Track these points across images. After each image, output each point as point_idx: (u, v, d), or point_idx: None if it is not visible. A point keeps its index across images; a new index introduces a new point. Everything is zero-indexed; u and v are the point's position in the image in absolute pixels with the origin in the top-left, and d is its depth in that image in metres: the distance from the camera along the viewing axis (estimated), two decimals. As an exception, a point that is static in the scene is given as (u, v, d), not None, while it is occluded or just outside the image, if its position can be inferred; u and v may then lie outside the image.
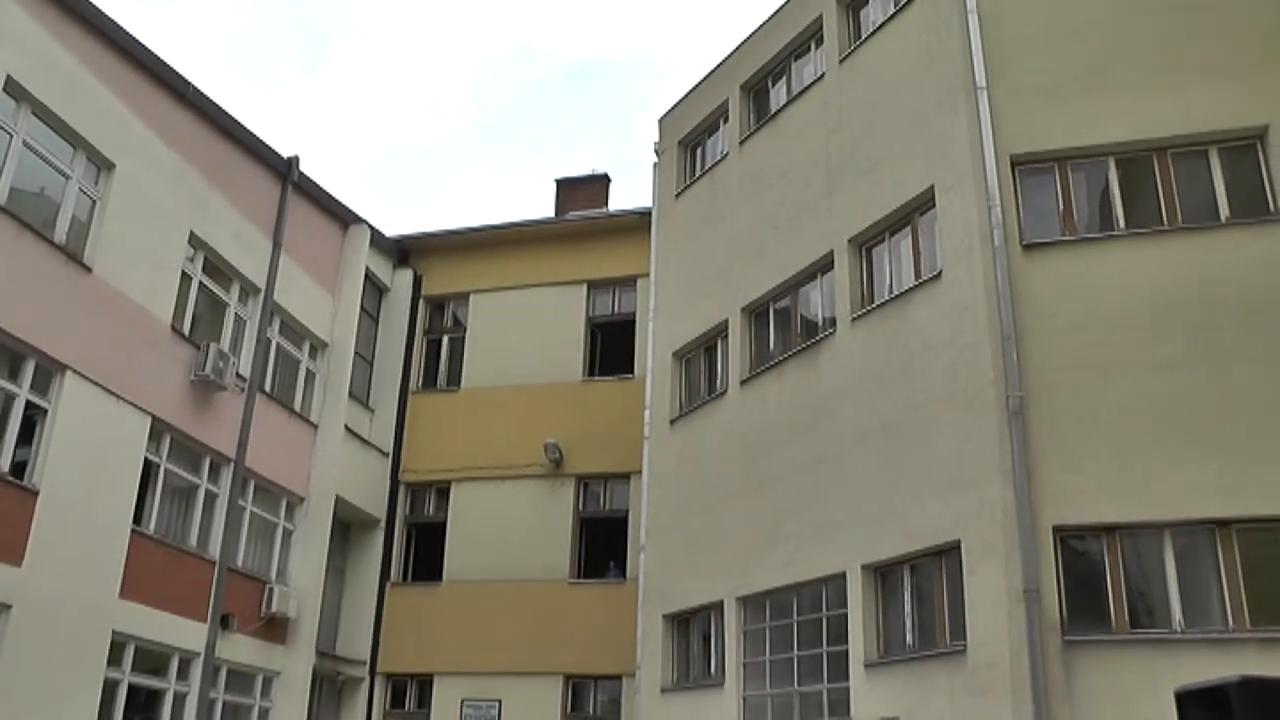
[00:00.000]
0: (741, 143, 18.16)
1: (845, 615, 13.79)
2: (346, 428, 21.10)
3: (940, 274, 13.47)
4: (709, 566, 16.39)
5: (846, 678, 13.57)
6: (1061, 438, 11.89)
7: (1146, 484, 11.44)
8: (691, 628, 17.14)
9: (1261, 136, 12.35)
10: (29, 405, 14.50)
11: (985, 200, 12.95)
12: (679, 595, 17.09)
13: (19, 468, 14.40)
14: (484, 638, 20.50)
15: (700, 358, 18.40)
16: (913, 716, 12.32)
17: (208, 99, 18.11)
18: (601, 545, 21.08)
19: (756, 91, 18.50)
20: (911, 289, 13.97)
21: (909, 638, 13.07)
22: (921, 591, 13.11)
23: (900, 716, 12.48)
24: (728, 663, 15.69)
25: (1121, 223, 12.73)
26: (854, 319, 14.76)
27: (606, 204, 25.29)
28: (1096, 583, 11.55)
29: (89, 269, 15.49)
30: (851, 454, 14.19)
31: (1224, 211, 12.33)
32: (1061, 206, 13.05)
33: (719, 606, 16.12)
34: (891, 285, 14.54)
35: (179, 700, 16.92)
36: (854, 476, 14.05)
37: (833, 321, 15.28)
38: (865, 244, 15.11)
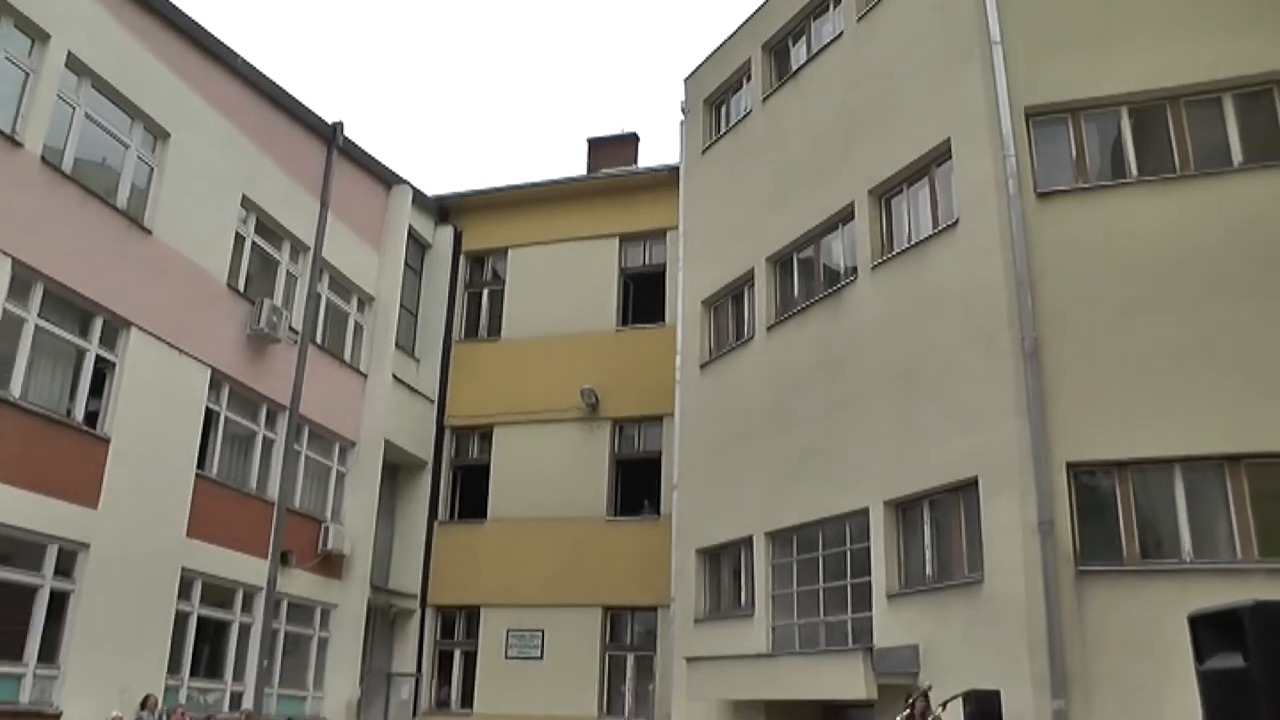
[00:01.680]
0: (764, 100, 17.89)
1: (868, 549, 13.77)
2: (394, 376, 21.22)
3: (957, 222, 13.26)
4: (738, 504, 16.39)
5: (869, 608, 13.57)
6: (1075, 378, 11.73)
7: (1157, 421, 11.27)
8: (722, 562, 17.19)
9: (1277, 82, 11.99)
10: (98, 359, 14.74)
11: (1000, 151, 12.70)
12: (710, 531, 17.14)
13: (91, 417, 14.67)
14: (527, 572, 20.68)
15: (728, 305, 18.29)
16: (932, 644, 12.31)
17: (255, 69, 18.07)
18: (636, 484, 21.15)
19: (778, 51, 18.19)
20: (929, 237, 13.77)
21: (928, 570, 13.03)
22: (940, 526, 13.05)
23: (920, 644, 12.48)
24: (757, 594, 15.74)
25: (1134, 170, 12.44)
26: (874, 267, 14.59)
27: (636, 161, 25.09)
28: (1109, 516, 11.43)
29: (149, 232, 15.57)
30: (873, 395, 14.08)
31: (1237, 157, 12.00)
32: (1074, 155, 12.77)
33: (748, 541, 16.14)
34: (910, 234, 14.33)
35: (244, 631, 17.26)
36: (875, 417, 13.96)
37: (854, 269, 15.11)
38: (884, 195, 14.89)
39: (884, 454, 13.67)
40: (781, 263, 16.91)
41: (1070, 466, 11.54)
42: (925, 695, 10.47)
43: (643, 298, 22.16)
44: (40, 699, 13.28)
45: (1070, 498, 11.48)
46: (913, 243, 14.10)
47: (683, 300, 19.29)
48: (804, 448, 15.17)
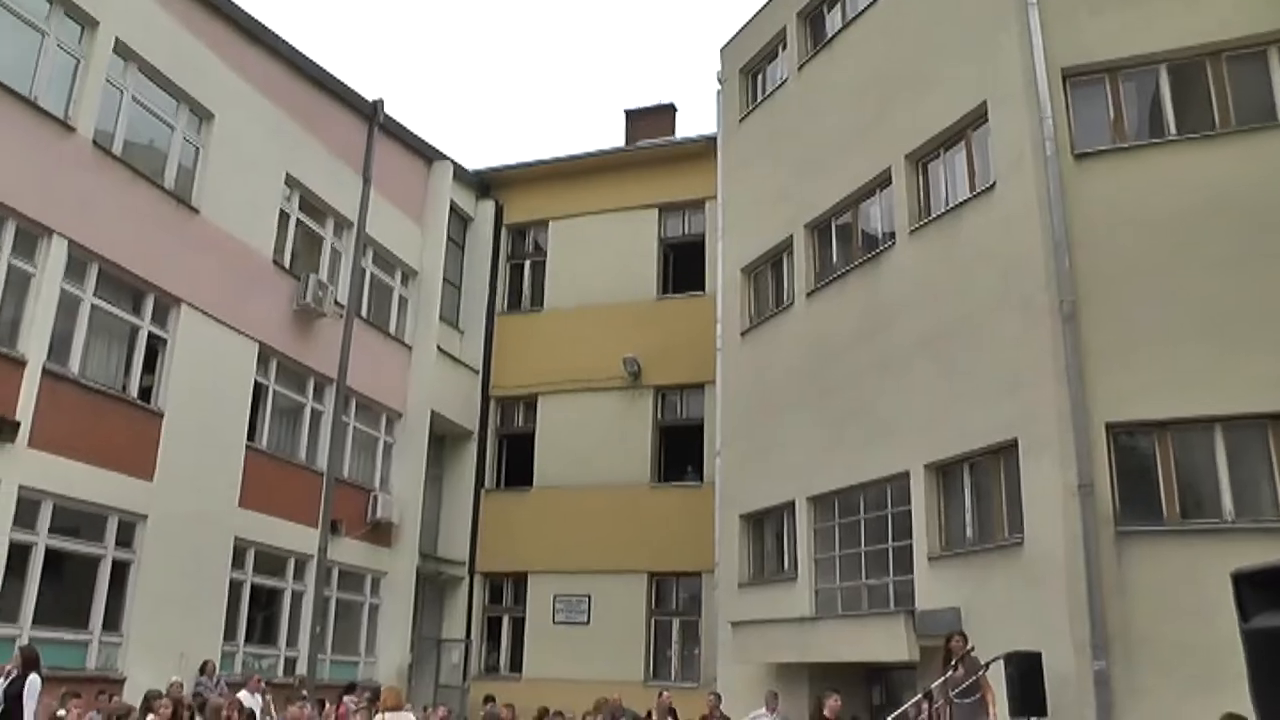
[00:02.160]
0: (800, 68, 17.75)
1: (909, 512, 13.77)
2: (438, 348, 21.49)
3: (994, 186, 13.14)
4: (780, 469, 16.44)
5: (910, 570, 13.60)
6: (1113, 339, 11.61)
7: (1198, 381, 11.13)
8: (765, 526, 17.27)
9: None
10: (151, 336, 15.12)
11: (1037, 113, 12.51)
12: (753, 496, 17.21)
13: (145, 392, 15.07)
14: (573, 539, 20.92)
15: (767, 273, 18.26)
16: (973, 606, 12.31)
17: (296, 50, 18.29)
18: (679, 451, 21.29)
19: (813, 18, 18.02)
20: (966, 201, 13.64)
21: (969, 532, 13.02)
22: (980, 488, 13.02)
23: (961, 607, 12.50)
24: (800, 558, 15.81)
25: (1172, 128, 12.22)
26: (912, 231, 14.50)
27: (674, 132, 25.03)
28: (1148, 477, 11.33)
29: (196, 211, 15.87)
30: (912, 360, 14.04)
31: (1280, 111, 11.76)
32: (1112, 115, 12.57)
33: (790, 506, 16.20)
34: (947, 198, 14.21)
35: (296, 598, 17.69)
36: (915, 381, 13.92)
37: (891, 235, 15.04)
38: (921, 159, 14.76)
39: (924, 417, 13.64)
40: (820, 229, 16.84)
41: (1109, 427, 11.44)
42: (963, 635, 10.59)
43: (683, 267, 22.20)
44: (106, 665, 13.78)
45: (1110, 459, 11.39)
46: (950, 207, 13.97)
47: (722, 268, 19.28)
48: (844, 412, 15.17)
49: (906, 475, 13.81)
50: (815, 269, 16.77)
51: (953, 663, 10.28)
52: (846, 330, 15.49)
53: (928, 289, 14.00)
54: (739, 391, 18.14)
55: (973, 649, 10.44)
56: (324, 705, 12.23)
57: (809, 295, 16.61)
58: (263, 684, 14.01)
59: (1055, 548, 11.31)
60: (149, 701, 10.37)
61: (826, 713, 12.36)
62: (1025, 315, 12.26)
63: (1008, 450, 12.31)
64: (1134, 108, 12.70)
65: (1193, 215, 11.56)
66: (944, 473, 13.49)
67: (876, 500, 14.62)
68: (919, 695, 9.26)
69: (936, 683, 9.81)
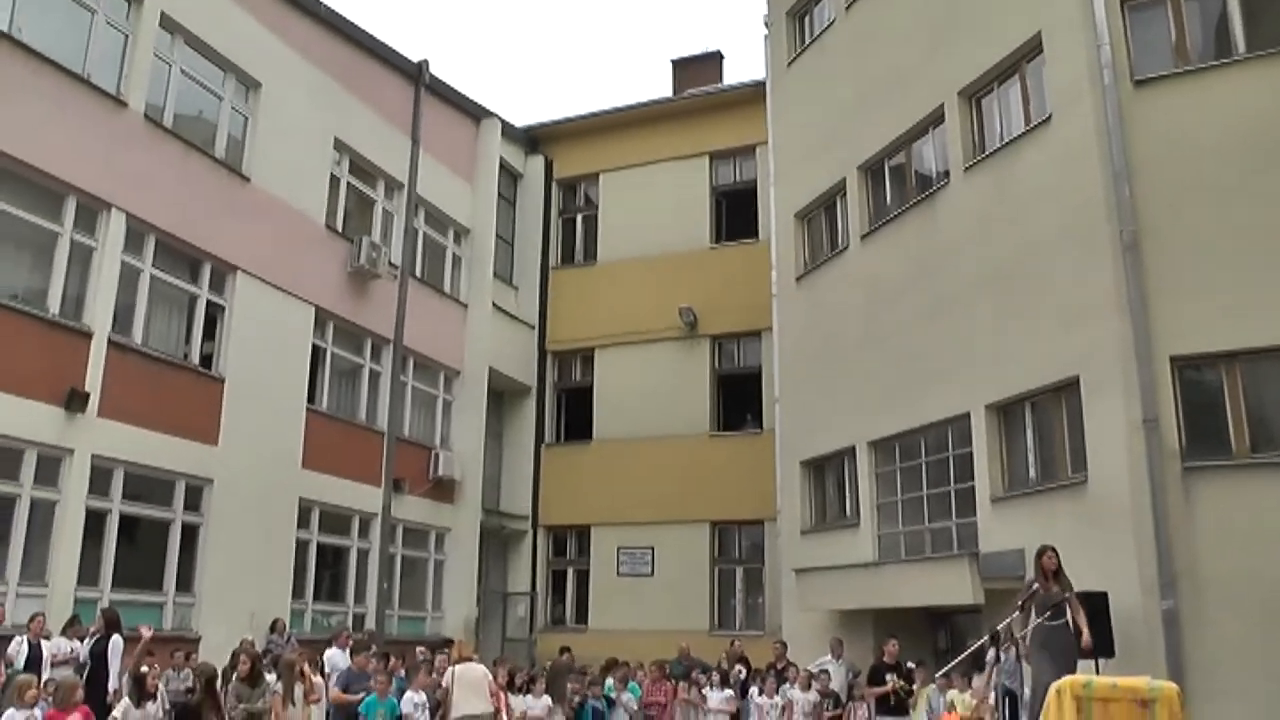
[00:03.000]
0: (848, 7, 17.34)
1: (970, 454, 13.61)
2: (494, 304, 21.61)
3: (1050, 118, 12.78)
4: (840, 414, 16.34)
5: (973, 513, 13.47)
6: (1177, 269, 11.29)
7: (1266, 310, 10.77)
8: (826, 473, 17.21)
9: None
10: (209, 304, 15.43)
11: (1094, 40, 12.11)
12: (813, 443, 17.15)
13: (206, 359, 15.40)
14: (634, 490, 21.02)
15: (821, 217, 18.05)
16: (1036, 547, 12.14)
17: (339, 15, 18.35)
18: (738, 399, 21.24)
19: (860, -46, 17.61)
20: (1021, 135, 13.30)
21: (1032, 472, 12.85)
22: (1042, 427, 12.82)
23: (1025, 548, 12.34)
24: (862, 504, 15.75)
25: (1240, 46, 11.74)
26: (966, 169, 14.20)
27: (721, 79, 24.72)
28: (1215, 410, 11.03)
29: (247, 179, 16.07)
30: (970, 299, 13.81)
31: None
32: (1174, 38, 12.11)
33: (851, 451, 16.12)
34: (1002, 134, 13.86)
35: (362, 556, 18.05)
36: (974, 320, 13.69)
37: (946, 173, 14.74)
38: (974, 95, 14.40)
39: (983, 357, 13.44)
40: (873, 171, 16.59)
41: (1174, 361, 11.16)
42: (1054, 550, 10.26)
43: (735, 214, 22.03)
44: (181, 625, 14.25)
45: (1175, 393, 11.11)
46: (1005, 142, 13.65)
47: (775, 214, 19.10)
48: (903, 355, 15.00)
49: (967, 417, 13.65)
50: (869, 211, 16.55)
51: (1031, 588, 9.85)
52: (903, 272, 15.29)
53: (984, 226, 13.74)
54: (796, 338, 18.04)
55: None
56: (388, 659, 12.44)
57: (863, 238, 16.41)
58: (351, 641, 14.14)
59: (1120, 485, 11.12)
60: (236, 657, 10.67)
61: (886, 658, 12.39)
62: (1085, 248, 11.97)
63: (1070, 388, 12.10)
64: (1197, 27, 12.21)
65: (1260, 137, 11.12)
66: (1005, 413, 13.31)
67: (937, 443, 14.49)
68: (985, 637, 9.12)
69: (1026, 598, 9.46)
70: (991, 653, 9.69)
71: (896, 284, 15.38)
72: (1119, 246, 11.54)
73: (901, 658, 12.91)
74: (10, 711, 8.38)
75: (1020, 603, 9.99)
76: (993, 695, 10.36)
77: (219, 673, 10.29)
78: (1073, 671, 8.37)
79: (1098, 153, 11.92)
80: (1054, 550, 9.50)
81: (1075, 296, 12.03)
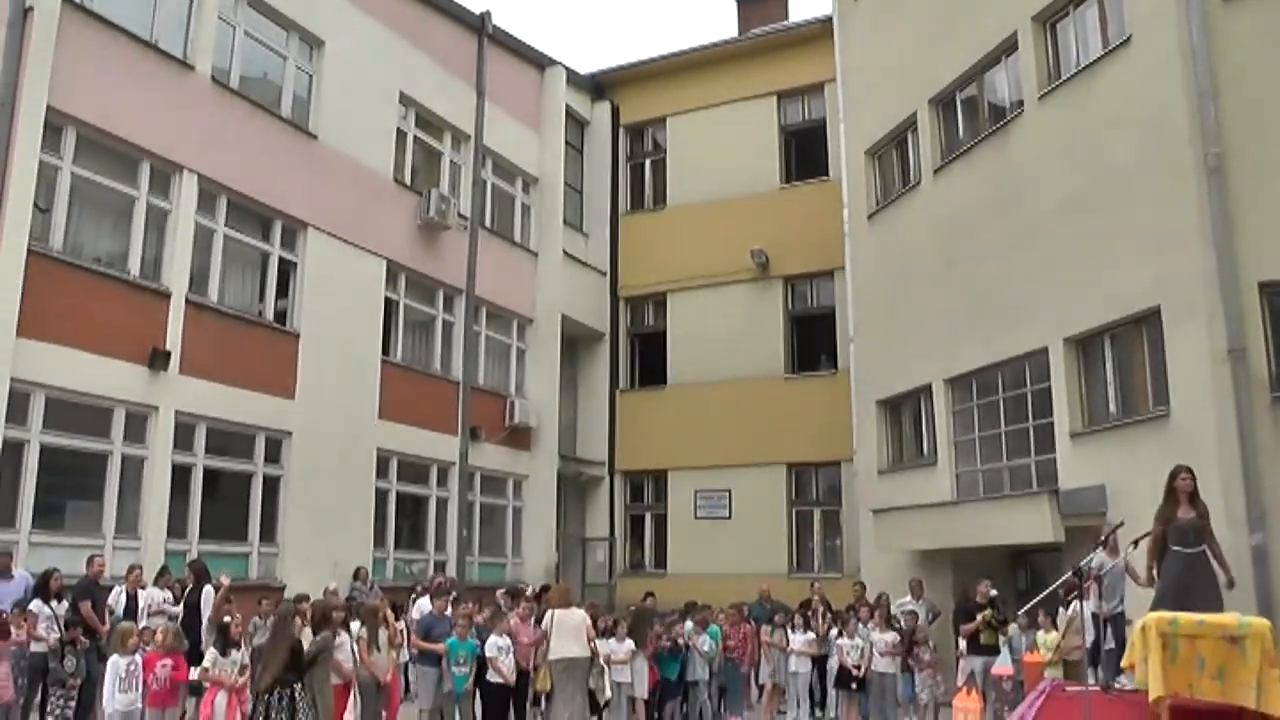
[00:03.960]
0: (915, -67, 16.80)
1: (1049, 389, 13.29)
2: (564, 252, 21.58)
3: (1129, 39, 12.23)
4: (915, 352, 16.06)
5: (1053, 449, 13.16)
6: (1265, 192, 10.75)
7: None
8: (903, 411, 16.97)
9: None
10: (281, 260, 15.63)
11: (1177, -49, 11.53)
12: (889, 381, 16.92)
13: (280, 315, 15.63)
14: (710, 434, 20.92)
15: (892, 153, 17.64)
16: (1119, 483, 11.84)
17: (400, -30, 18.22)
18: (812, 340, 20.99)
19: (926, -123, 16.96)
20: (1100, 59, 12.75)
21: (1112, 406, 12.48)
22: (1122, 360, 12.43)
23: (1106, 484, 12.04)
24: (939, 442, 15.52)
25: (1333, -48, 11.08)
26: (1041, 96, 13.71)
27: (787, 17, 24.12)
28: (1307, 338, 10.61)
29: (314, 137, 16.19)
30: (1046, 230, 13.39)
31: None
32: (1262, -55, 11.47)
33: (927, 389, 15.86)
34: (1078, 58, 13.31)
35: (441, 504, 18.33)
36: (1050, 252, 13.29)
37: (1019, 103, 14.27)
38: (1049, 19, 13.84)
39: (1060, 290, 13.06)
40: (944, 104, 16.15)
41: (1263, 288, 10.69)
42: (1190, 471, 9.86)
43: (805, 153, 21.62)
44: (266, 574, 14.62)
45: (1263, 321, 10.68)
46: (1081, 67, 13.12)
47: (846, 152, 18.76)
48: (978, 290, 14.67)
49: (1045, 351, 13.32)
50: (941, 145, 16.16)
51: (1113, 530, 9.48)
52: (977, 205, 14.90)
53: (1060, 155, 13.29)
54: (869, 276, 17.76)
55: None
56: (467, 604, 12.55)
57: (936, 172, 16.04)
58: (449, 582, 14.21)
59: (1205, 418, 10.74)
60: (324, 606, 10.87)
61: (978, 598, 12.15)
62: (1167, 173, 11.51)
63: (1151, 318, 11.70)
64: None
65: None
66: (1084, 346, 12.93)
67: (1015, 378, 14.16)
68: (1068, 574, 8.82)
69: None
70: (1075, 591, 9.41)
71: (970, 218, 15.00)
72: (1203, 170, 11.06)
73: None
74: (114, 657, 8.69)
75: (1103, 539, 9.73)
76: (1089, 633, 10.01)
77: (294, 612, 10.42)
78: (1219, 604, 7.84)
79: (1181, 72, 11.40)
80: (1189, 471, 8.64)
81: (1156, 224, 11.58)
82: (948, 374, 15.35)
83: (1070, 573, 8.70)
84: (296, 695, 8.27)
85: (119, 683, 8.59)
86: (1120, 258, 12.07)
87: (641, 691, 12.07)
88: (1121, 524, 10.16)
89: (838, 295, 19.93)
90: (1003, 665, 11.51)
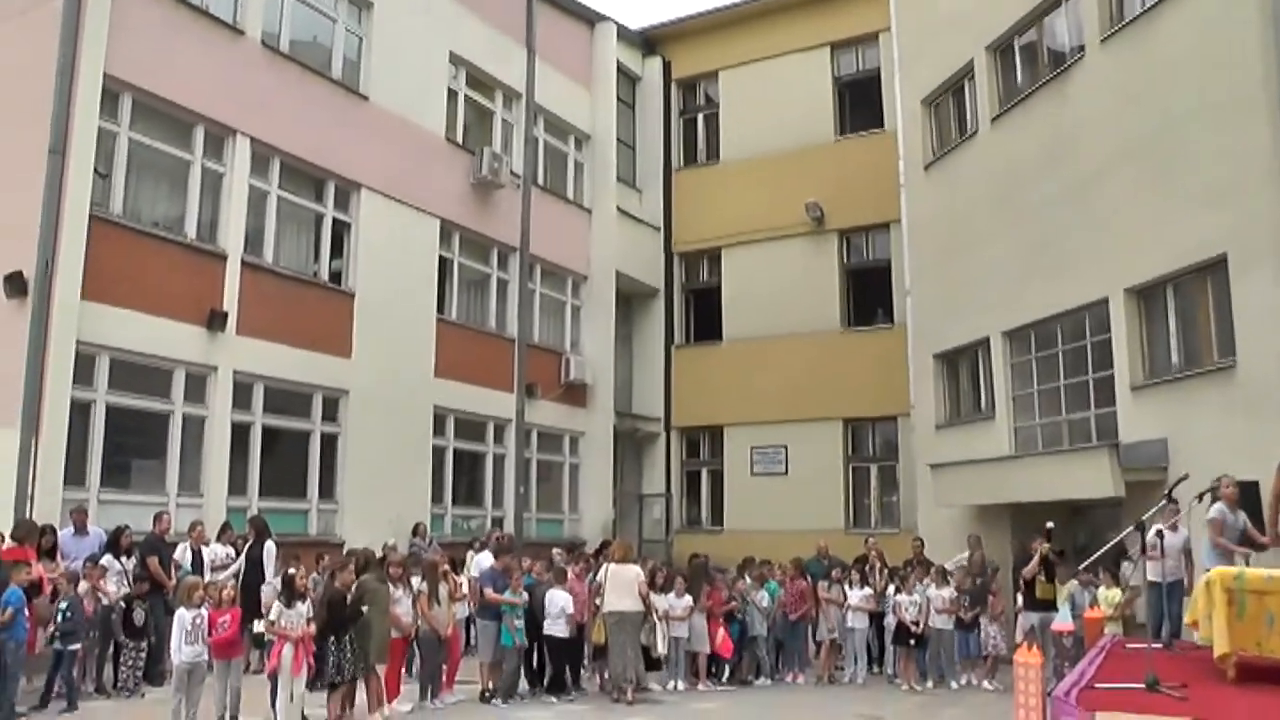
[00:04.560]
0: (970, -127, 16.26)
1: (1109, 341, 12.96)
2: (618, 208, 21.43)
3: (1197, -25, 11.73)
4: (973, 304, 15.77)
5: (1113, 403, 12.86)
6: (1340, 134, 10.31)
7: None
8: (960, 365, 16.70)
9: None
10: (335, 222, 15.68)
11: (1249, -119, 10.98)
12: (946, 335, 16.66)
13: (335, 275, 15.73)
14: (765, 390, 20.75)
15: (948, 102, 17.24)
16: (1181, 436, 11.53)
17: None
18: (868, 294, 20.67)
19: None
20: (1165, -1, 12.27)
21: (1174, 358, 12.12)
22: (1185, 311, 12.06)
23: (1168, 437, 11.73)
24: (997, 396, 15.26)
25: None
26: (1103, 40, 13.25)
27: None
28: (1381, 286, 10.17)
29: (365, 98, 16.17)
30: (1107, 178, 12.99)
31: None
32: None
33: (985, 343, 15.59)
34: (1143, -1, 12.84)
35: (498, 461, 18.41)
36: (1111, 201, 12.91)
37: (1080, 48, 13.82)
38: (1113, -42, 13.35)
39: (1121, 240, 12.70)
40: (1002, 50, 15.72)
41: (1335, 234, 10.29)
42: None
43: (859, 104, 21.18)
44: (325, 531, 14.80)
45: (1335, 269, 10.27)
46: (1146, 8, 12.62)
47: (901, 102, 18.42)
48: (1037, 240, 14.33)
49: (1105, 302, 13.00)
50: (999, 93, 15.79)
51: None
52: (1036, 154, 14.54)
53: (1122, 101, 12.88)
54: (926, 228, 17.47)
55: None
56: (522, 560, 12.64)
57: (994, 121, 15.68)
58: (506, 539, 14.23)
59: (1271, 369, 10.40)
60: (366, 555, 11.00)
61: (1035, 546, 11.92)
62: (1236, 117, 11.07)
63: (1216, 267, 11.31)
64: None
65: None
66: (1145, 296, 12.58)
67: (1074, 331, 13.85)
68: (1130, 529, 8.55)
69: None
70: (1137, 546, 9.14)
71: (1029, 167, 14.63)
72: (1275, 113, 10.59)
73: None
74: (181, 610, 8.87)
75: (1167, 492, 9.42)
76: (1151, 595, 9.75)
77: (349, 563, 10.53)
78: None
79: (1255, 9, 10.88)
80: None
81: (1223, 170, 11.16)
82: (1006, 326, 15.05)
83: (1133, 527, 8.47)
84: (344, 643, 8.65)
85: (185, 635, 8.77)
86: (1184, 205, 11.67)
87: (702, 647, 12.10)
88: (1186, 477, 9.88)
89: (894, 248, 19.59)
90: (1063, 621, 11.32)
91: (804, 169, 21.01)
